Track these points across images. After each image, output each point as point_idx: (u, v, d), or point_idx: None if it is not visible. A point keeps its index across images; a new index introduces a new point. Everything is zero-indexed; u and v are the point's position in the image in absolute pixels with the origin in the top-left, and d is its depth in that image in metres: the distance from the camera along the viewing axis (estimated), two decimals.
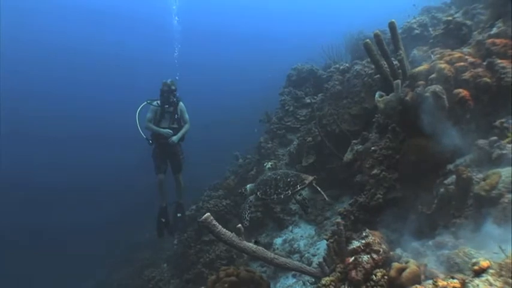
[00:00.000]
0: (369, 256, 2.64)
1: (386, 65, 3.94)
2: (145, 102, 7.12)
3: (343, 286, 2.68)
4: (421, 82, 3.27)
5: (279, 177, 5.05)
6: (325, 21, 33.94)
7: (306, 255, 6.06)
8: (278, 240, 6.77)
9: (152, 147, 7.31)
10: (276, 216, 7.02)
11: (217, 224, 2.88)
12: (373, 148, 4.21)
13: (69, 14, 35.43)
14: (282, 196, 4.85)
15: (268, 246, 6.80)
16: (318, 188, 5.17)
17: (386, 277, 2.41)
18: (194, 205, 8.34)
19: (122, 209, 19.28)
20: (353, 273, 2.61)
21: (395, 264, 2.32)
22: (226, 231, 2.92)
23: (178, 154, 7.41)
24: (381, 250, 2.65)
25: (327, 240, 4.31)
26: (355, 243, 2.80)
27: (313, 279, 5.48)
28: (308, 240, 6.45)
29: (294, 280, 5.85)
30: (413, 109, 3.22)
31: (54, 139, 30.89)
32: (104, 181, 24.77)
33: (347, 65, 7.95)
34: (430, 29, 6.38)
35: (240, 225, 3.04)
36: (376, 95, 3.69)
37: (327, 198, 5.34)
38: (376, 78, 5.84)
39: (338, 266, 2.91)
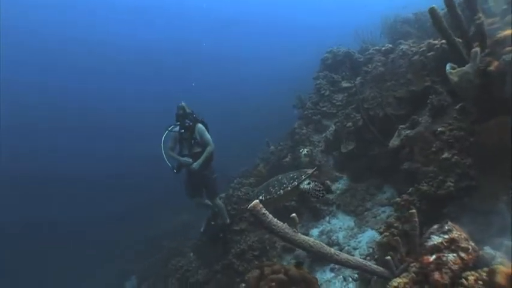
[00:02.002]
0: (455, 255, 2.17)
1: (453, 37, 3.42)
2: (167, 131, 6.60)
3: None
4: (510, 48, 2.75)
5: (280, 177, 4.99)
6: (357, 6, 32.94)
7: (346, 248, 5.61)
8: (314, 232, 6.34)
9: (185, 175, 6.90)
10: (312, 205, 6.58)
11: (268, 213, 2.46)
12: (440, 129, 3.69)
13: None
14: (289, 188, 4.68)
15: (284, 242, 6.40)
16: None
17: (480, 282, 1.96)
18: (223, 193, 7.97)
19: (147, 198, 19.28)
20: (436, 275, 2.15)
21: (499, 268, 1.86)
22: (278, 221, 2.50)
23: (207, 178, 6.84)
24: (470, 248, 2.18)
25: (381, 234, 3.88)
26: (435, 239, 2.33)
27: (356, 275, 5.07)
28: (347, 232, 5.99)
29: (332, 275, 5.43)
30: (499, 81, 2.71)
31: (76, 129, 31.16)
32: (130, 171, 24.94)
33: (390, 45, 7.39)
34: None
35: (294, 214, 2.61)
36: (447, 67, 3.19)
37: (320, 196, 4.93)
38: (430, 56, 5.28)
39: (412, 265, 2.46)
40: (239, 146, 17.12)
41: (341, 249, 5.64)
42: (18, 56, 31.42)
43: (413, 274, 2.37)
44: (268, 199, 4.72)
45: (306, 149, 7.10)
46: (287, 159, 7.42)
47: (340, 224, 6.26)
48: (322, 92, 8.52)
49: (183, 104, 6.57)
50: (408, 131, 5.13)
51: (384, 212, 5.83)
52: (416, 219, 2.52)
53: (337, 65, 9.17)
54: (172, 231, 12.84)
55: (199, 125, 6.59)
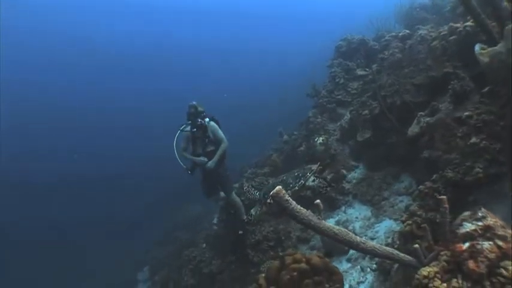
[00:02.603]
0: (491, 243, 2.04)
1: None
2: (179, 131, 6.53)
3: (455, 280, 2.10)
4: None
5: (284, 177, 5.11)
6: None
7: (363, 238, 5.50)
8: (330, 222, 6.22)
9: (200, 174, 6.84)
10: (328, 195, 6.45)
11: (291, 200, 2.36)
12: (467, 114, 3.54)
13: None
14: (297, 187, 4.81)
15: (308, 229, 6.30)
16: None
17: None
18: (237, 183, 7.88)
19: (159, 191, 19.33)
20: (470, 264, 2.03)
21: None
22: (302, 208, 2.40)
23: (221, 176, 6.78)
24: (508, 236, 2.05)
25: (403, 223, 3.76)
26: (468, 226, 2.21)
27: (374, 265, 4.96)
28: (364, 222, 5.86)
29: (349, 265, 5.32)
30: None
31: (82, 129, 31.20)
32: (143, 164, 25.02)
33: (407, 31, 7.19)
34: None
35: (318, 200, 2.51)
36: (476, 48, 3.04)
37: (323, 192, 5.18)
38: (452, 40, 5.09)
39: (442, 253, 2.33)
40: (250, 138, 17.00)
41: None
42: (19, 56, 31.46)
43: (444, 263, 2.25)
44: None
45: (321, 138, 6.96)
46: (302, 148, 7.30)
47: (356, 213, 6.14)
48: (337, 80, 8.37)
49: (194, 103, 6.44)
50: (428, 118, 4.98)
51: (401, 201, 5.70)
52: (447, 205, 2.39)
53: (351, 52, 9.01)
54: (185, 223, 12.85)
55: (212, 123, 6.51)
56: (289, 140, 8.31)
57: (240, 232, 6.90)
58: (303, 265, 2.65)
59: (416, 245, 2.53)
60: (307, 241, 6.23)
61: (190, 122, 6.42)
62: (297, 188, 4.86)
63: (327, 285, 2.67)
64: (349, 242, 2.47)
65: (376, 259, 4.93)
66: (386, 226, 5.45)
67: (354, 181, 6.59)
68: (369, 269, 4.99)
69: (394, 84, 6.18)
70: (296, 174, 5.02)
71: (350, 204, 6.38)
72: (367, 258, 5.19)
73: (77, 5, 34.27)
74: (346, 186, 6.53)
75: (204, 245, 8.85)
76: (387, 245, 4.95)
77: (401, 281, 3.84)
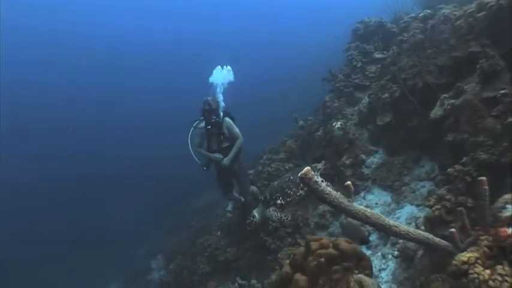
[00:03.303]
0: None
1: None
2: (192, 128, 6.44)
3: (499, 266, 1.95)
4: None
5: (291, 176, 5.09)
6: None
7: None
8: None
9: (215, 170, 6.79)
10: (347, 181, 6.31)
11: (320, 181, 2.23)
12: (502, 92, 3.35)
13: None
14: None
15: (338, 214, 6.15)
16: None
17: None
18: (253, 169, 7.78)
19: (173, 178, 19.33)
20: None
21: None
22: (332, 190, 2.27)
23: (237, 172, 6.73)
24: None
25: (430, 207, 3.61)
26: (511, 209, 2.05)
27: (396, 252, 4.82)
28: (384, 208, 5.70)
29: (370, 252, 5.18)
30: None
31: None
32: (158, 151, 25.18)
33: (429, 11, 6.92)
34: None
35: (349, 182, 2.37)
36: None
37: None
38: (481, 17, 4.85)
39: (482, 238, 2.18)
40: (267, 127, 16.85)
41: None
42: (19, 55, 31.44)
43: (485, 248, 2.10)
44: (289, 202, 4.79)
45: (339, 122, 6.78)
46: (319, 133, 7.13)
47: (376, 199, 5.99)
48: (354, 63, 8.15)
49: (209, 99, 6.31)
50: (453, 100, 4.78)
51: (423, 186, 5.52)
52: (486, 187, 2.23)
53: (369, 35, 8.76)
54: (199, 211, 12.82)
55: (227, 119, 6.41)
56: (305, 126, 8.15)
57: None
58: (331, 250, 2.53)
59: (453, 229, 2.38)
60: (325, 227, 6.11)
61: (204, 118, 6.34)
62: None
63: (356, 272, 2.55)
64: (381, 226, 2.33)
65: (398, 246, 4.81)
66: (408, 212, 5.29)
67: (373, 166, 6.42)
68: (390, 256, 4.85)
69: (415, 66, 5.97)
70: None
71: (369, 190, 6.23)
72: (388, 245, 5.06)
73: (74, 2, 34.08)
74: (365, 171, 6.37)
75: (219, 232, 8.80)
76: None
77: (427, 267, 3.71)
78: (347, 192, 2.33)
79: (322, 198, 2.22)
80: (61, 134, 30.61)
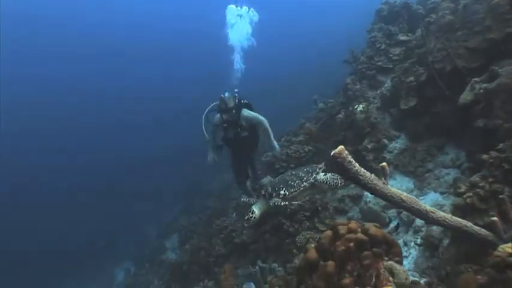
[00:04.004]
0: None
1: None
2: (205, 120, 6.46)
3: None
4: None
5: (294, 172, 5.04)
6: None
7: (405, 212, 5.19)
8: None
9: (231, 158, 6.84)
10: (368, 165, 6.14)
11: (354, 162, 2.10)
12: None
13: None
14: (312, 180, 4.80)
15: (358, 198, 6.04)
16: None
17: None
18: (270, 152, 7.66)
19: (188, 159, 19.40)
20: None
21: None
22: (366, 171, 2.14)
23: (254, 160, 6.81)
24: None
25: (461, 195, 3.44)
26: None
27: (419, 240, 4.68)
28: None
29: None
30: None
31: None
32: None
33: None
34: None
35: (385, 163, 2.24)
36: None
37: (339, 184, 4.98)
38: None
39: None
40: (281, 107, 16.70)
41: (399, 213, 5.27)
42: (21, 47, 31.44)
43: None
44: (293, 192, 4.62)
45: (361, 105, 6.59)
46: (340, 115, 6.94)
47: (397, 185, 5.80)
48: (378, 45, 7.89)
49: (226, 95, 6.21)
50: (485, 84, 4.56)
51: (447, 174, 5.34)
52: None
53: (393, 16, 8.44)
54: (214, 192, 12.80)
55: (244, 111, 6.32)
56: (325, 108, 7.96)
57: None
58: (361, 235, 2.40)
59: (495, 218, 2.23)
60: (344, 212, 6.00)
61: (220, 115, 6.32)
62: (312, 180, 4.80)
63: (386, 258, 2.42)
64: (418, 211, 2.20)
65: (421, 234, 4.68)
66: (432, 199, 5.12)
67: (396, 151, 6.25)
68: (412, 243, 4.72)
69: (444, 49, 5.72)
70: (306, 169, 4.97)
71: (391, 176, 6.05)
72: (410, 232, 4.92)
73: None
74: (387, 156, 6.19)
75: (234, 214, 8.76)
76: None
77: (453, 257, 3.58)
78: (383, 174, 2.19)
79: (355, 179, 2.10)
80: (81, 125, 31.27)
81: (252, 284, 3.05)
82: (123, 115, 32.16)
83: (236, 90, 6.42)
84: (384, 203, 5.53)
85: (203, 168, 15.46)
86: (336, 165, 2.06)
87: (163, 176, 20.06)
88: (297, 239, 5.53)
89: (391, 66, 7.52)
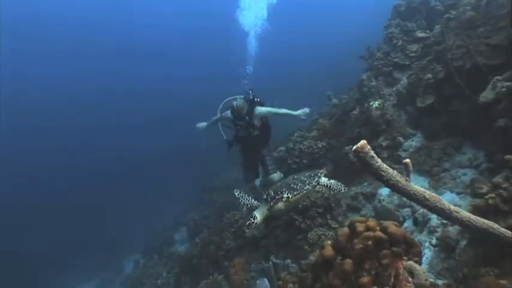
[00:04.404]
0: None
1: None
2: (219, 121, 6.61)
3: None
4: None
5: (296, 176, 4.93)
6: None
7: (421, 211, 5.07)
8: (383, 191, 5.83)
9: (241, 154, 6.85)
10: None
11: (376, 157, 2.02)
12: None
13: None
14: (314, 183, 4.74)
15: (372, 197, 5.94)
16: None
17: None
18: (283, 146, 7.59)
19: (199, 153, 19.46)
20: None
21: None
22: (388, 167, 2.07)
23: (264, 157, 6.75)
24: None
25: (483, 196, 3.34)
26: None
27: (434, 240, 4.58)
28: None
29: None
30: None
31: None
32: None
33: None
34: None
35: (408, 160, 2.16)
36: None
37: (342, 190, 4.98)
38: None
39: None
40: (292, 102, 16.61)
41: (414, 212, 5.16)
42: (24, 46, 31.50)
43: None
44: (296, 195, 4.52)
45: (377, 102, 6.48)
46: (355, 112, 6.83)
47: (412, 184, 5.71)
48: (395, 41, 7.75)
49: (238, 105, 6.13)
50: (508, 83, 4.43)
51: (464, 174, 5.21)
52: None
53: (411, 13, 8.29)
54: (224, 186, 12.77)
55: (257, 110, 6.33)
56: (339, 104, 7.86)
57: None
58: (380, 233, 2.32)
59: None
60: (357, 210, 5.91)
61: (233, 117, 6.28)
62: (314, 183, 4.74)
63: (405, 258, 2.35)
64: (441, 210, 2.12)
65: (436, 234, 4.57)
66: (448, 199, 4.98)
67: (411, 150, 6.14)
68: (427, 244, 4.61)
69: (464, 46, 5.58)
70: (308, 174, 4.91)
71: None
72: (424, 232, 4.82)
73: None
74: (402, 154, 6.09)
75: (245, 208, 8.71)
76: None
77: (471, 259, 3.48)
78: (406, 170, 2.11)
79: (378, 175, 2.03)
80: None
81: (265, 279, 3.00)
82: (130, 115, 32.48)
83: (250, 91, 6.37)
84: (397, 201, 5.47)
85: (212, 163, 15.56)
86: (358, 160, 1.98)
87: (173, 172, 20.17)
88: (308, 236, 5.48)
89: (407, 63, 7.38)
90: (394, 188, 2.06)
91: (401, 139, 6.23)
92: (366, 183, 6.20)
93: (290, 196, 4.47)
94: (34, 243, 17.42)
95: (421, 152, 5.96)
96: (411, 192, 2.07)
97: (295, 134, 7.55)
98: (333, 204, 5.75)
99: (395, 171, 2.10)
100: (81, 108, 33.06)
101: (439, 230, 4.57)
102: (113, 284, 12.92)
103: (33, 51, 33.25)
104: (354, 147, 2.00)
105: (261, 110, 6.31)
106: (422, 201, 2.10)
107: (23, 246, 17.30)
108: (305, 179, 4.74)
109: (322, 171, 5.02)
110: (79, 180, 25.25)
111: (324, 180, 4.90)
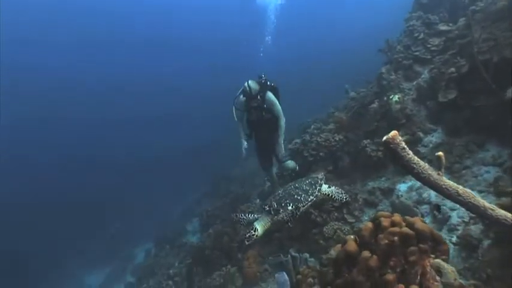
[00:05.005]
0: None
1: None
2: (234, 107, 6.39)
3: None
4: None
5: (296, 184, 4.80)
6: None
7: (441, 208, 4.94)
8: (402, 187, 5.71)
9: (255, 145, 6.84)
10: None
11: (408, 149, 1.92)
12: None
13: None
14: (316, 192, 4.65)
15: (389, 192, 5.81)
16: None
17: None
18: (299, 139, 7.48)
19: (215, 144, 19.50)
20: None
21: None
22: (420, 160, 1.96)
23: (276, 150, 6.57)
24: None
25: (510, 195, 3.21)
26: None
27: (454, 238, 4.45)
28: None
29: None
30: None
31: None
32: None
33: None
34: None
35: (441, 152, 2.05)
36: None
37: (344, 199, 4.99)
38: None
39: None
40: (308, 95, 16.48)
41: (433, 210, 5.02)
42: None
43: None
44: (301, 207, 4.40)
45: (397, 95, 6.33)
46: (374, 105, 6.68)
47: None
48: (416, 34, 7.55)
49: (250, 86, 6.07)
50: None
51: (487, 172, 5.04)
52: None
53: (433, 5, 8.11)
54: (237, 179, 12.76)
55: (269, 96, 6.20)
56: (357, 97, 7.71)
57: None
58: (407, 229, 2.22)
59: None
60: (374, 205, 5.80)
61: (245, 100, 6.22)
62: (316, 193, 4.63)
63: (433, 256, 2.25)
64: (475, 207, 2.01)
65: (457, 232, 4.44)
66: None
67: (431, 145, 5.98)
68: (447, 242, 4.49)
69: (491, 39, 5.39)
70: (308, 181, 4.79)
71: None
72: (444, 230, 4.69)
73: None
74: (422, 150, 5.94)
75: (258, 200, 8.67)
76: (472, 218, 4.42)
77: (496, 260, 3.35)
78: (439, 164, 2.01)
79: (409, 168, 1.93)
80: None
81: (284, 273, 2.93)
82: (145, 108, 32.74)
83: (263, 74, 6.30)
84: (416, 197, 5.33)
85: (226, 155, 15.57)
86: (388, 151, 1.88)
87: (186, 164, 20.27)
88: (324, 230, 5.39)
89: (429, 56, 7.19)
90: (426, 181, 1.96)
91: (421, 134, 6.07)
92: (383, 178, 6.07)
93: (295, 208, 4.34)
94: (44, 236, 17.76)
95: (441, 148, 5.79)
96: (443, 186, 1.96)
97: (312, 127, 7.43)
98: (348, 198, 5.65)
99: (426, 164, 2.00)
100: (101, 101, 33.43)
101: (459, 228, 4.44)
102: (124, 272, 13.00)
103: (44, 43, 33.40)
104: (385, 138, 1.90)
105: (272, 97, 6.24)
106: (455, 197, 1.99)
107: (32, 240, 17.61)
108: (307, 188, 4.63)
109: (321, 177, 4.90)
110: (91, 174, 25.59)
111: (324, 188, 4.82)
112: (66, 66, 33.81)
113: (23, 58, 31.03)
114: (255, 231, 4.26)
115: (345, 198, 4.94)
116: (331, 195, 4.83)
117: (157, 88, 34.62)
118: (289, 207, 4.31)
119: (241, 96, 6.27)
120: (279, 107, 6.28)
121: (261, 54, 5.97)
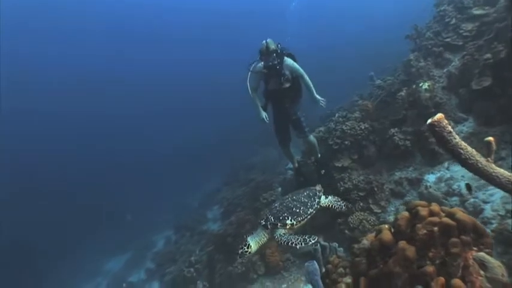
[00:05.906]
0: None
1: None
2: (250, 72, 6.00)
3: None
4: None
5: (294, 196, 4.62)
6: None
7: (471, 200, 4.73)
8: (430, 177, 5.51)
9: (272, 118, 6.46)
10: (430, 148, 5.69)
11: (454, 133, 1.78)
12: None
13: None
14: (316, 205, 4.50)
15: (417, 182, 5.62)
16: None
17: None
18: (323, 127, 7.32)
19: (236, 132, 19.45)
20: None
21: None
22: (467, 145, 1.82)
23: (298, 116, 6.35)
24: None
25: None
26: None
27: (492, 233, 4.25)
28: (472, 182, 5.04)
29: None
30: None
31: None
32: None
33: None
34: None
35: (491, 137, 1.90)
36: None
37: (343, 208, 4.84)
38: None
39: None
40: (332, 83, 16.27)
41: (464, 202, 4.82)
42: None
43: None
44: (301, 221, 4.24)
45: (427, 83, 6.08)
46: (402, 93, 6.44)
47: (462, 171, 5.31)
48: (447, 20, 7.26)
49: (267, 41, 5.80)
50: None
51: None
52: None
53: None
54: (258, 166, 12.68)
55: (287, 60, 5.94)
56: (383, 85, 7.47)
57: (322, 171, 6.60)
58: (447, 220, 2.08)
59: None
60: (401, 196, 5.62)
61: (261, 60, 5.90)
62: (316, 205, 4.48)
63: (475, 249, 2.10)
64: None
65: (490, 226, 4.25)
66: (502, 192, 4.63)
67: (462, 135, 5.72)
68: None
69: None
70: (306, 193, 4.62)
71: (455, 161, 5.57)
72: None
73: None
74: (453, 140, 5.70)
75: (280, 188, 8.58)
76: (508, 212, 4.23)
77: None
78: (488, 150, 1.86)
79: (455, 153, 1.79)
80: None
81: (314, 262, 2.83)
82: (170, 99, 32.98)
83: (279, 44, 6.05)
84: (445, 188, 5.14)
85: (246, 142, 15.48)
86: (434, 135, 1.74)
87: (206, 152, 20.32)
88: (349, 220, 5.27)
89: (460, 43, 6.91)
90: (473, 168, 1.81)
91: (451, 123, 5.84)
92: (411, 168, 5.88)
93: (294, 222, 4.19)
94: (65, 224, 18.18)
95: (473, 138, 5.55)
96: (493, 174, 1.82)
97: (336, 115, 7.25)
98: (375, 189, 5.49)
99: (474, 150, 1.85)
100: (129, 95, 33.92)
101: (494, 222, 4.24)
102: (144, 259, 13.14)
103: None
104: (429, 121, 1.76)
105: (290, 61, 5.99)
106: (507, 186, 1.84)
107: (53, 228, 18.04)
108: (306, 201, 4.47)
109: (319, 188, 4.75)
110: (112, 164, 26.04)
111: (323, 200, 4.68)
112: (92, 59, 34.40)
113: (23, 51, 31.74)
114: (248, 248, 4.10)
115: (344, 207, 4.78)
116: (331, 206, 4.70)
117: (174, 81, 34.85)
118: (288, 221, 4.17)
119: (259, 61, 5.99)
120: (298, 66, 6.02)
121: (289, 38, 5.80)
